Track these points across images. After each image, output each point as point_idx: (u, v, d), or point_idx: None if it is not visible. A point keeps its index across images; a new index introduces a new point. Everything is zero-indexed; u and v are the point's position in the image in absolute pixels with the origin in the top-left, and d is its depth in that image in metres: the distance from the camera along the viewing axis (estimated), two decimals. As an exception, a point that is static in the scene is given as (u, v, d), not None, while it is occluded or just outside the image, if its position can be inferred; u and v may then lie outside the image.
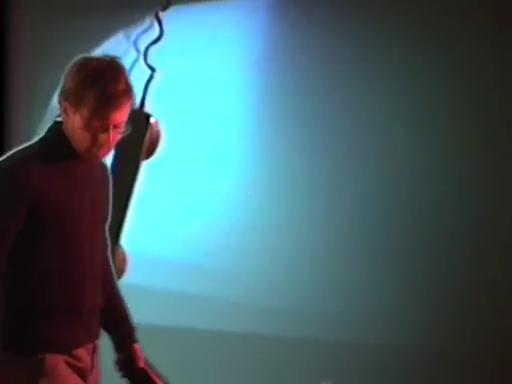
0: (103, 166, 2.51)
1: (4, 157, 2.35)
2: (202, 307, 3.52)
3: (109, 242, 2.58)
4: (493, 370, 3.38)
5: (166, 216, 3.80)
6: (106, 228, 2.54)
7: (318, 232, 3.63)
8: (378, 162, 3.60)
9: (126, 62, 3.85)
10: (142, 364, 2.50)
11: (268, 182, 3.62)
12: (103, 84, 2.22)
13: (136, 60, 3.77)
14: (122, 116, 2.27)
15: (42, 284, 2.32)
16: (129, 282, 2.98)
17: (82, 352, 2.38)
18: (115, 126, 2.27)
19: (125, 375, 2.50)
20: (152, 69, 3.78)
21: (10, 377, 2.28)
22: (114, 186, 3.41)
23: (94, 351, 2.43)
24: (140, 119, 3.56)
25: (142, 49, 3.81)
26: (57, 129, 2.35)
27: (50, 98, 4.23)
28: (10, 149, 4.26)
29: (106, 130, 2.25)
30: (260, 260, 3.59)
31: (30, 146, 2.37)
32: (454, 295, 3.44)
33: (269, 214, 3.64)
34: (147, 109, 3.64)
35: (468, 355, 3.41)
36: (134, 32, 3.89)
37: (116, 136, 2.29)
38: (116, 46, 4.02)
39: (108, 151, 2.34)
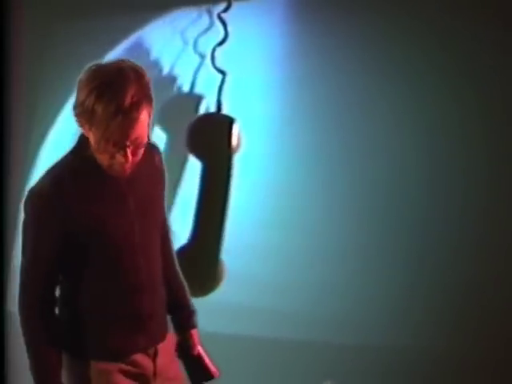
0: (150, 157, 2.31)
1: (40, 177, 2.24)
2: (209, 310, 3.50)
3: (171, 237, 2.52)
4: (497, 371, 3.37)
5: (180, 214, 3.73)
6: (168, 223, 2.49)
7: (323, 233, 3.62)
8: (388, 164, 3.59)
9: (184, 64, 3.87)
10: (196, 351, 2.50)
11: (280, 183, 3.60)
12: (108, 99, 2.05)
13: (200, 63, 3.77)
14: (136, 131, 2.10)
15: (97, 299, 2.31)
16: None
17: (140, 357, 2.34)
18: (133, 142, 2.12)
19: (181, 359, 2.50)
20: (222, 72, 3.69)
21: (66, 372, 2.31)
22: (207, 198, 3.42)
23: (156, 355, 2.38)
24: (223, 124, 3.47)
25: (208, 52, 3.75)
26: (84, 139, 2.22)
27: (49, 98, 4.24)
28: (9, 149, 4.32)
29: (121, 148, 2.11)
30: (267, 261, 3.57)
31: (61, 160, 2.25)
32: (459, 296, 3.42)
33: (277, 215, 3.62)
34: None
35: (473, 357, 3.40)
36: (191, 33, 3.87)
37: (137, 151, 2.14)
38: (169, 47, 3.97)
39: (134, 164, 2.19)
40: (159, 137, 3.74)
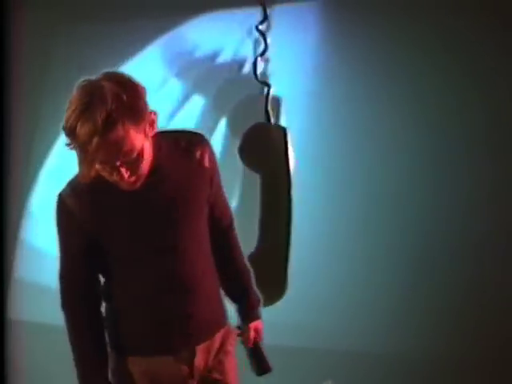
0: (185, 155, 2.29)
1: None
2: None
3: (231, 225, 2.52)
4: (497, 373, 3.36)
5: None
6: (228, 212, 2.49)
7: (323, 238, 3.61)
8: (391, 166, 3.58)
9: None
10: (249, 344, 2.56)
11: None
12: (84, 120, 2.00)
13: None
14: (123, 149, 2.05)
15: (133, 298, 2.33)
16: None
17: (172, 360, 2.33)
18: (124, 160, 2.08)
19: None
20: (267, 84, 3.68)
21: (111, 368, 2.37)
22: (270, 210, 3.44)
23: (194, 356, 2.36)
24: (278, 134, 3.47)
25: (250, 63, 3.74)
26: None
27: (49, 98, 4.22)
28: (9, 149, 4.31)
29: (112, 168, 2.09)
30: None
31: None
32: (459, 300, 3.41)
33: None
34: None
35: (473, 359, 3.39)
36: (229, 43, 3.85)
37: (136, 166, 2.11)
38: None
39: (141, 175, 2.15)
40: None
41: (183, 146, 2.29)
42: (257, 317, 2.58)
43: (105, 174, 2.12)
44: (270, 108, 3.58)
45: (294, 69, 3.73)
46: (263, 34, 3.71)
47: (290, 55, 3.75)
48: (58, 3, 4.15)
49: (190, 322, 2.33)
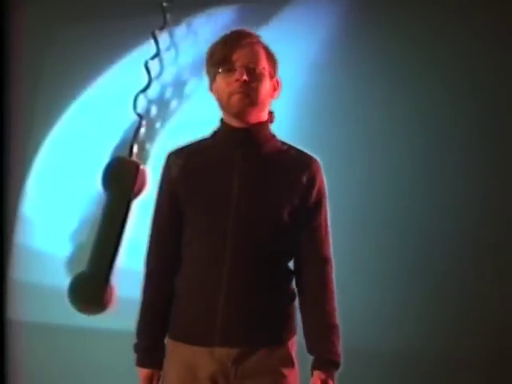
0: (295, 160, 2.34)
1: None
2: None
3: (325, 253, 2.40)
4: (493, 373, 3.34)
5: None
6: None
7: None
8: (386, 167, 3.56)
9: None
10: None
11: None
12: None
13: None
14: (243, 52, 2.27)
15: (183, 273, 2.35)
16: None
17: (206, 352, 2.29)
18: (248, 64, 2.25)
19: None
20: (140, 116, 3.99)
21: None
22: (105, 225, 3.84)
23: (229, 357, 2.28)
24: (129, 167, 3.88)
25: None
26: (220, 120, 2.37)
27: (49, 99, 4.22)
28: (9, 149, 4.30)
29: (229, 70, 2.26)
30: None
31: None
32: (455, 300, 3.40)
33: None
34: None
35: (469, 358, 3.37)
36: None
37: (254, 84, 2.25)
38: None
39: (253, 102, 2.26)
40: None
41: (291, 154, 2.36)
42: (329, 374, 2.33)
43: (225, 83, 2.26)
44: (137, 141, 3.97)
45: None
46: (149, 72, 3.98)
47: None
48: (57, 3, 4.16)
49: (238, 318, 2.27)
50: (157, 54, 3.97)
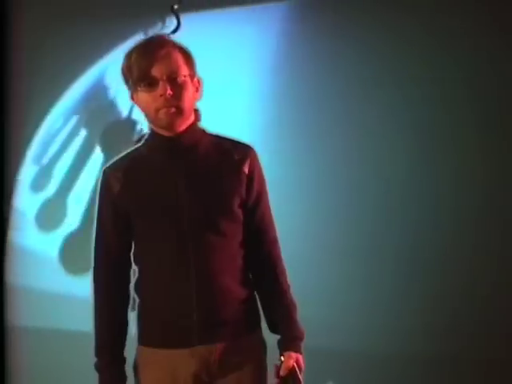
0: (230, 154, 2.37)
1: None
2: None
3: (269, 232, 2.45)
4: (491, 374, 3.38)
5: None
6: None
7: (315, 237, 3.63)
8: (380, 168, 3.60)
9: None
10: (284, 371, 2.35)
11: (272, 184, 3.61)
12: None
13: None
14: (162, 64, 2.25)
15: (146, 282, 2.36)
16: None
17: (187, 353, 2.31)
18: (169, 75, 2.24)
19: None
20: None
21: None
22: None
23: (214, 356, 2.32)
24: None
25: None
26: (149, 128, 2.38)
27: (49, 98, 4.24)
28: (9, 149, 4.32)
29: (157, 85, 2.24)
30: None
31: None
32: (451, 300, 3.43)
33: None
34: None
35: (466, 360, 3.42)
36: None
37: (179, 93, 2.25)
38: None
39: (180, 112, 2.27)
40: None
41: (226, 147, 2.37)
42: (298, 350, 2.40)
43: (149, 98, 2.25)
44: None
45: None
46: (177, 16, 3.84)
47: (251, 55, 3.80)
48: (57, 3, 4.17)
49: (213, 318, 2.31)
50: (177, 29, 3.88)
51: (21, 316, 4.19)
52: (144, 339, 2.38)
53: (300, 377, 2.36)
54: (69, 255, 4.08)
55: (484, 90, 3.44)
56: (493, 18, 3.42)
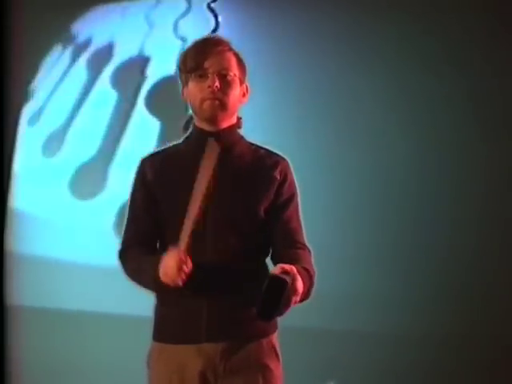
0: (263, 161, 2.38)
1: None
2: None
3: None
4: (495, 359, 3.38)
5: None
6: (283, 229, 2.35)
7: (317, 229, 3.60)
8: (381, 163, 3.59)
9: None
10: (276, 271, 2.11)
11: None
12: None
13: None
14: (215, 59, 2.31)
15: None
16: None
17: (194, 350, 2.29)
18: (219, 71, 2.30)
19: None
20: None
21: None
22: None
23: (220, 356, 2.29)
24: None
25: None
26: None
27: (49, 98, 4.25)
28: (9, 149, 4.31)
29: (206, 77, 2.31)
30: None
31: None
32: (455, 287, 3.44)
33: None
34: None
35: (471, 345, 3.41)
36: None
37: (225, 89, 2.30)
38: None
39: (224, 107, 2.31)
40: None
41: (261, 153, 2.41)
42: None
43: (197, 88, 2.31)
44: None
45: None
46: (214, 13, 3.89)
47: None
48: (57, 3, 4.19)
49: (220, 314, 2.29)
50: None
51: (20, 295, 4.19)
52: (156, 334, 2.37)
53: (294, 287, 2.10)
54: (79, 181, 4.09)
55: (484, 90, 3.45)
56: (493, 18, 3.44)
